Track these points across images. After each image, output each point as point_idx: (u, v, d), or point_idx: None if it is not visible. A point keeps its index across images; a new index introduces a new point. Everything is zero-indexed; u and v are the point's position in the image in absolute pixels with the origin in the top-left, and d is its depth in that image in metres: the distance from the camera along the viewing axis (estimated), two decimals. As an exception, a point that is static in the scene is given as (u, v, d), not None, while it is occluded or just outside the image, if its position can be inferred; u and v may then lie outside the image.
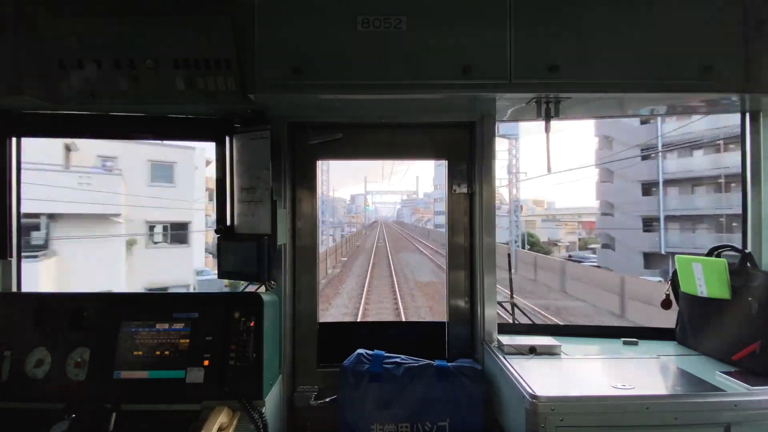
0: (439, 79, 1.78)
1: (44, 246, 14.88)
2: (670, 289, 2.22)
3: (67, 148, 16.34)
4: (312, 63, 1.77)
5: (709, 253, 2.08)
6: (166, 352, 1.73)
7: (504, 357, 1.95)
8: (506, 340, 2.08)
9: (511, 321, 2.47)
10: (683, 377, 1.77)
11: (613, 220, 27.95)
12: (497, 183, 2.26)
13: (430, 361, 2.11)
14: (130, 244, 18.08)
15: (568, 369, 1.91)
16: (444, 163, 2.36)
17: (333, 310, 14.46)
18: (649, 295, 13.98)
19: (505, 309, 2.48)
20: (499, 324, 2.18)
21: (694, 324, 2.08)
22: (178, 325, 1.77)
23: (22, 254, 2.20)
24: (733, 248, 2.04)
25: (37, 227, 14.90)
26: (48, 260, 14.54)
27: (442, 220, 14.15)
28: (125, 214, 17.51)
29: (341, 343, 2.28)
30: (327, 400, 2.16)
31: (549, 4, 1.76)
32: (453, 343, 2.33)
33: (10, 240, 2.10)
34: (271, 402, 1.82)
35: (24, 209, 2.18)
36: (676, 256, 2.18)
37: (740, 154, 2.13)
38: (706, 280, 1.98)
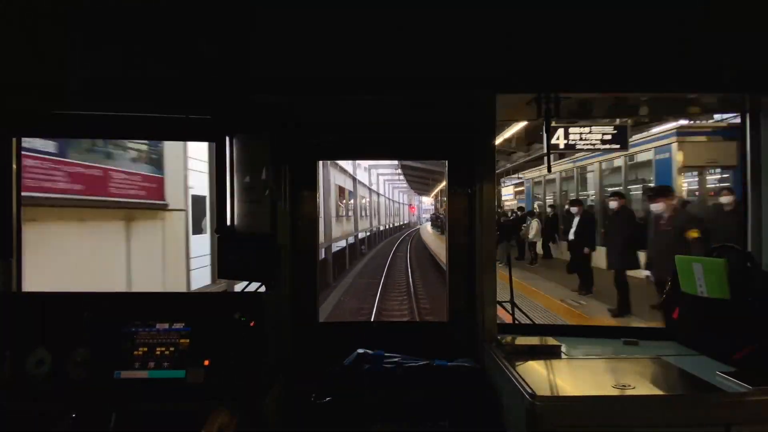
0: (438, 79, 1.78)
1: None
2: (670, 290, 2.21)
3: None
4: (312, 63, 1.77)
5: (709, 253, 2.08)
6: (166, 352, 1.73)
7: (504, 357, 1.95)
8: (506, 340, 2.07)
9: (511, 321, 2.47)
10: (683, 377, 1.77)
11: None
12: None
13: (430, 361, 2.10)
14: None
15: (568, 369, 1.91)
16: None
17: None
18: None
19: (506, 309, 2.48)
20: (499, 324, 2.18)
21: (694, 324, 2.08)
22: (178, 325, 1.77)
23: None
24: (733, 248, 2.04)
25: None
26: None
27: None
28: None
29: (341, 342, 2.28)
30: (327, 400, 2.15)
31: (549, 3, 1.77)
32: (453, 343, 2.32)
33: (10, 240, 2.10)
34: (271, 402, 1.82)
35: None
36: (676, 256, 2.18)
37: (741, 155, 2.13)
38: (706, 280, 1.97)
